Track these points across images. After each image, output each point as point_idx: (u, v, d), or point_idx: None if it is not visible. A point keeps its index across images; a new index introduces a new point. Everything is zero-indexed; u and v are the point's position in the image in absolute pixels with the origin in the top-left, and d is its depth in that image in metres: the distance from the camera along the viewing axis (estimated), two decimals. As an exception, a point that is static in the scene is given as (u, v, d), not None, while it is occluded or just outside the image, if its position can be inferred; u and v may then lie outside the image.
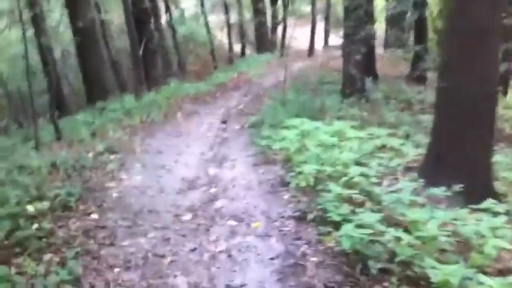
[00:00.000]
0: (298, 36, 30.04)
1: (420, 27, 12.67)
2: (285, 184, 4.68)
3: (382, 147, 5.61)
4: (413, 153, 5.19)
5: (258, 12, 18.88)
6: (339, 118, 7.07)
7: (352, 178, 4.11)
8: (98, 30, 10.39)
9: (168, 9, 23.64)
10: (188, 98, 11.20)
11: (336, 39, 29.54)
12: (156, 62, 14.82)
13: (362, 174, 4.15)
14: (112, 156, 6.32)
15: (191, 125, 8.44)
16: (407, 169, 4.83)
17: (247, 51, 25.72)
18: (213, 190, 4.92)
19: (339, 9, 34.89)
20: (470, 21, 4.07)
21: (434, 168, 4.35)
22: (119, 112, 8.96)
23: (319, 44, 23.76)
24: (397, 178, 4.49)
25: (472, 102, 4.10)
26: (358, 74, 9.02)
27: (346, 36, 9.12)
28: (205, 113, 9.64)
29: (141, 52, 13.92)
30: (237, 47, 24.70)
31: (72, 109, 11.04)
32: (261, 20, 19.00)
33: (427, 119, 7.31)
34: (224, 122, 8.70)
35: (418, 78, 12.74)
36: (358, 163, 4.62)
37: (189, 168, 5.84)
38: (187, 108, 10.00)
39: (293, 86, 10.90)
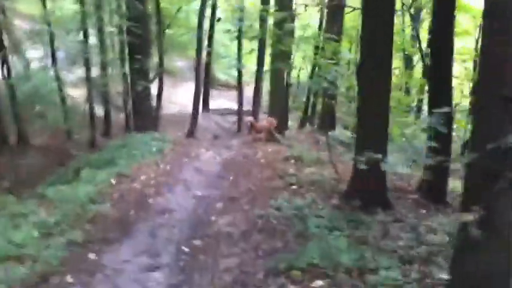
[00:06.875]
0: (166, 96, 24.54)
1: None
2: None
3: None
4: None
5: (141, 73, 13.27)
6: None
7: None
8: None
9: (5, 62, 16.76)
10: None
11: (220, 101, 25.22)
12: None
13: None
14: None
15: None
16: None
17: (113, 116, 19.54)
18: None
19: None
20: None
21: None
22: None
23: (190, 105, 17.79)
24: None
25: None
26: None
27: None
28: None
29: None
30: (99, 110, 18.54)
31: None
32: (146, 85, 13.39)
33: None
34: None
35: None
36: None
37: None
38: None
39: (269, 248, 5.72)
